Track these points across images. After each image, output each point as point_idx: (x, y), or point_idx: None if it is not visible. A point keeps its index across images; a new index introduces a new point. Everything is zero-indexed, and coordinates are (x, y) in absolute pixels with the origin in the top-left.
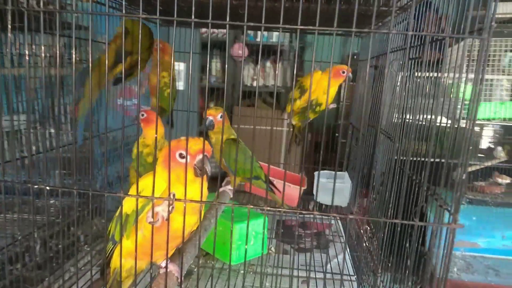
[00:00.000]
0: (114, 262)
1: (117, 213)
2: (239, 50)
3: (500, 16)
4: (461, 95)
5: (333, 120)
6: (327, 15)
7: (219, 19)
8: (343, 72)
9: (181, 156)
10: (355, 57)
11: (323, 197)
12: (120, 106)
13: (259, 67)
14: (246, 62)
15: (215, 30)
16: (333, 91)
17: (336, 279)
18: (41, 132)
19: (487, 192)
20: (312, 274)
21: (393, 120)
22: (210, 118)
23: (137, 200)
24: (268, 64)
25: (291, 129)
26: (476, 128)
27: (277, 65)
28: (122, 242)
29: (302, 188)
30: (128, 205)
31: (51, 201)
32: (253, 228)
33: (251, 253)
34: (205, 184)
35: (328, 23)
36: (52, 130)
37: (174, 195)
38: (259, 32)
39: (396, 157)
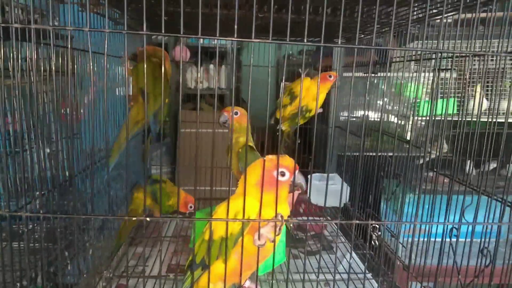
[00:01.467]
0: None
1: (203, 237)
2: (181, 53)
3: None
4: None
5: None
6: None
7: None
8: (330, 77)
9: (281, 174)
10: (290, 57)
11: (317, 199)
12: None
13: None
14: (189, 65)
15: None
16: (322, 96)
17: (354, 278)
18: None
19: (438, 182)
20: (329, 276)
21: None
22: (225, 114)
23: (243, 223)
24: (211, 66)
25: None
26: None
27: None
28: (215, 266)
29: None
30: (222, 228)
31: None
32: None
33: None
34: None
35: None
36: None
37: (282, 216)
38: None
39: None
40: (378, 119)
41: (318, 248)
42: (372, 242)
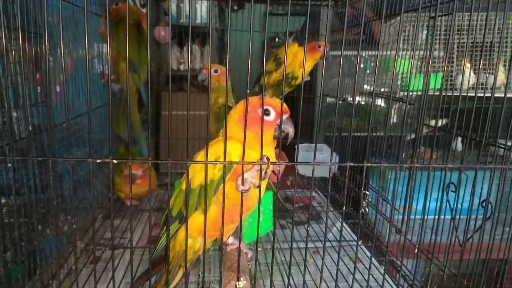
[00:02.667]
0: (178, 244)
1: (181, 187)
2: (162, 32)
3: None
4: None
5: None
6: None
7: None
8: (319, 47)
9: (266, 112)
10: (276, 39)
11: (305, 170)
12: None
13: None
14: (171, 45)
15: None
16: (309, 65)
17: (344, 245)
18: None
19: (425, 158)
20: (319, 244)
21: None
22: (204, 72)
23: (224, 167)
24: (195, 47)
25: None
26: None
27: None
28: (194, 218)
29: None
30: (202, 175)
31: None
32: (262, 204)
33: (262, 230)
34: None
35: None
36: None
37: (268, 158)
38: (182, 13)
39: None
40: (365, 103)
41: (307, 218)
42: (362, 209)
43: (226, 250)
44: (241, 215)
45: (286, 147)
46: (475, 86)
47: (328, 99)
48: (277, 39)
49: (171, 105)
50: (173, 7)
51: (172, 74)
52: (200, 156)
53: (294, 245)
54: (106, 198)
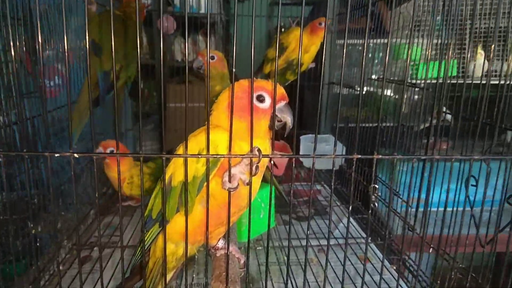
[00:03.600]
0: (159, 249)
1: (159, 186)
2: (166, 22)
3: None
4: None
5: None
6: None
7: None
8: (320, 24)
9: (260, 99)
10: (283, 29)
11: (310, 162)
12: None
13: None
14: (175, 35)
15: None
16: (314, 48)
17: (351, 243)
18: None
19: (436, 149)
20: (324, 242)
21: None
22: (200, 58)
23: (207, 161)
24: (199, 37)
25: None
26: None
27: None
28: (176, 220)
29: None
30: (182, 171)
31: None
32: (263, 199)
33: (263, 227)
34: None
35: None
36: None
37: (259, 150)
38: (186, 4)
39: None
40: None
41: (311, 213)
42: (372, 204)
43: (215, 255)
44: (228, 216)
45: (290, 138)
46: (499, 73)
47: (336, 88)
48: (283, 29)
49: (177, 97)
50: None
51: (177, 66)
52: (182, 148)
53: (298, 243)
54: (99, 194)
